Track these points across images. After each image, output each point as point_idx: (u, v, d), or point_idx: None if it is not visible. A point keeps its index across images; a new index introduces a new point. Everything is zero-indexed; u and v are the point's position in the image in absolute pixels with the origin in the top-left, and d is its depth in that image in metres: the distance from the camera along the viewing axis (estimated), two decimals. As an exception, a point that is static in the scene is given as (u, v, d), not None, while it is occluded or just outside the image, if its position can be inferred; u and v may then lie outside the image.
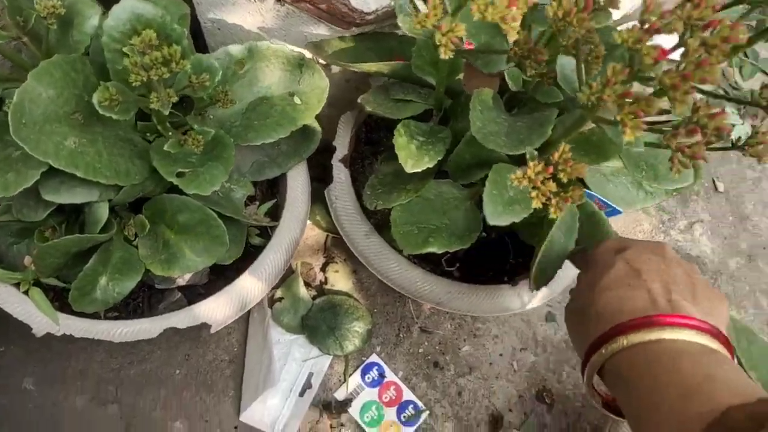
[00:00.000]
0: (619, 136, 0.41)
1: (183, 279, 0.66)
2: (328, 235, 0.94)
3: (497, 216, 0.51)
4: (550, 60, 0.45)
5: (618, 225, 1.04)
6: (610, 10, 0.42)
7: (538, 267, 0.53)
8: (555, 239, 0.52)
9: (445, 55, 0.40)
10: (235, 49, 0.62)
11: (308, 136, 0.68)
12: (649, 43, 0.32)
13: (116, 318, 0.63)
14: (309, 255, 0.93)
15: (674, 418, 0.37)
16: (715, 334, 0.41)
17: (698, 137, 0.32)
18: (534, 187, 0.39)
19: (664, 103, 0.35)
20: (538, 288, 0.58)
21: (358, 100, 0.63)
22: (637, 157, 0.57)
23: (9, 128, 0.51)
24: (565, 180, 0.40)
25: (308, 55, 0.66)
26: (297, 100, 0.64)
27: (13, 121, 0.46)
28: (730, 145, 0.47)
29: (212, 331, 0.61)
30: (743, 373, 0.39)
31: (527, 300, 0.70)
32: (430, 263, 0.72)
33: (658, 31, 0.31)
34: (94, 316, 0.59)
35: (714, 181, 1.11)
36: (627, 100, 0.32)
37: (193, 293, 0.68)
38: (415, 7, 0.48)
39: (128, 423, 0.78)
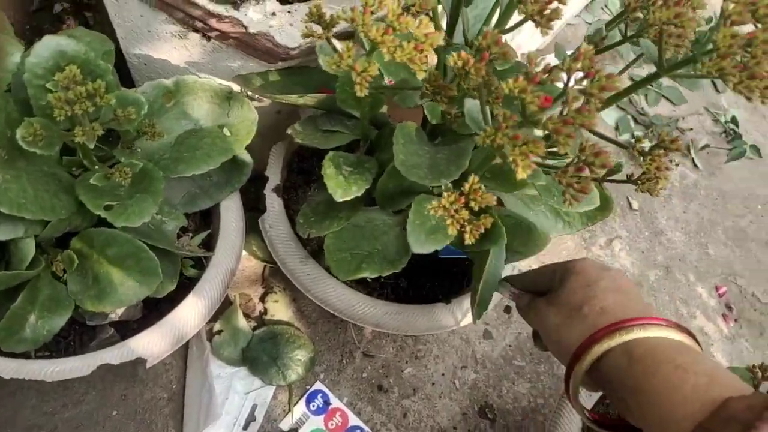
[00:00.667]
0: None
1: (116, 314, 0.65)
2: (265, 266, 0.94)
3: (420, 244, 0.54)
4: (460, 96, 0.49)
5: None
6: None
7: (480, 297, 0.56)
8: (491, 269, 0.55)
9: (360, 92, 0.43)
10: (162, 83, 0.63)
11: (239, 167, 0.70)
12: (533, 92, 0.35)
13: (47, 357, 0.61)
14: (247, 286, 0.93)
15: (665, 412, 0.40)
16: (680, 327, 0.46)
17: (586, 173, 0.36)
18: (450, 216, 0.42)
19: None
20: (479, 317, 0.62)
21: (287, 131, 0.65)
22: (549, 184, 0.62)
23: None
24: (476, 208, 0.43)
25: (236, 88, 0.68)
26: (227, 132, 0.65)
27: (-68, 160, 0.46)
28: (625, 178, 0.52)
29: (148, 365, 0.61)
30: (722, 366, 0.44)
31: (460, 317, 0.73)
32: (366, 286, 0.74)
33: (540, 83, 0.35)
34: (24, 355, 0.58)
35: (628, 200, 1.18)
36: (517, 142, 0.36)
37: (127, 329, 0.67)
38: (334, 48, 0.51)
39: (63, 469, 0.75)
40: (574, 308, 0.49)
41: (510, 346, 0.97)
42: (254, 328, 0.88)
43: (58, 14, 1.00)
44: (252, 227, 0.78)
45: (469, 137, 0.58)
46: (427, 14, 0.46)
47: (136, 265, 0.58)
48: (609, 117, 1.23)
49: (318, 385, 0.87)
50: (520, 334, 1.00)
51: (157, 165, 0.60)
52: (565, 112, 0.35)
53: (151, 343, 0.62)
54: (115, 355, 0.60)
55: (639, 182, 0.47)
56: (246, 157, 0.69)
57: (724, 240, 1.18)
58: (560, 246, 1.08)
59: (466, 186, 0.43)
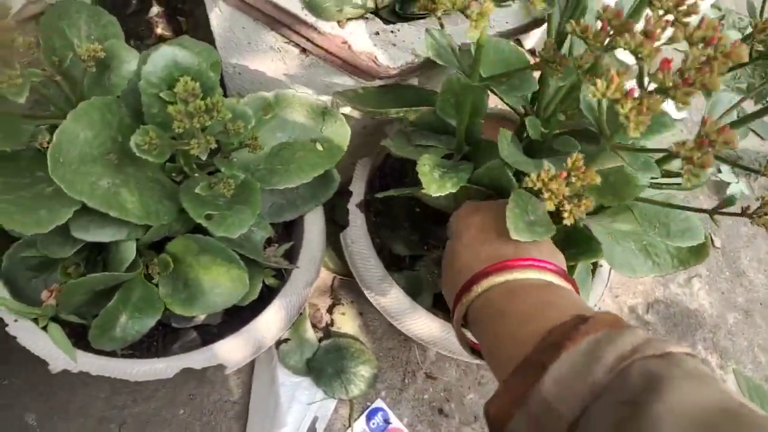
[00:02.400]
0: (635, 162, 0.43)
1: (199, 318, 0.66)
2: (335, 277, 0.95)
3: (519, 232, 0.52)
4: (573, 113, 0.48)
5: (618, 278, 1.06)
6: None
7: None
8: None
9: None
10: (263, 96, 0.64)
11: (327, 181, 0.70)
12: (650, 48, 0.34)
13: (131, 356, 0.63)
14: (316, 296, 0.93)
15: (512, 342, 0.40)
16: (559, 272, 0.47)
17: (707, 149, 0.34)
18: (548, 190, 0.41)
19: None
20: None
21: (381, 143, 0.65)
22: (650, 213, 0.59)
23: (40, 165, 0.52)
24: (578, 185, 0.41)
25: (330, 103, 0.69)
26: (319, 146, 0.66)
27: (52, 161, 0.47)
28: (739, 211, 0.49)
29: (227, 372, 0.61)
30: (580, 299, 0.44)
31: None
32: (441, 310, 0.73)
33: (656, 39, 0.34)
34: (111, 354, 0.59)
35: (711, 237, 1.14)
36: (632, 97, 0.34)
37: (207, 333, 0.68)
38: (452, 50, 0.51)
39: (130, 463, 0.77)
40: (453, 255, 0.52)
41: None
42: (320, 339, 0.88)
43: (152, 18, 1.03)
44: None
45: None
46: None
47: (227, 273, 0.59)
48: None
49: (379, 403, 0.87)
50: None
51: (252, 176, 0.60)
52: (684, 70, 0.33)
53: (233, 351, 0.62)
54: (198, 359, 0.60)
55: (755, 216, 0.44)
56: (334, 172, 0.69)
57: (809, 287, 1.12)
58: (637, 281, 1.04)
59: (569, 161, 0.41)
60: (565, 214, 0.43)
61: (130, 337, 0.58)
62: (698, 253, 0.65)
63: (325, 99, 0.69)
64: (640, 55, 0.35)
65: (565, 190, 0.42)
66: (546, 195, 0.42)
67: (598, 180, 0.42)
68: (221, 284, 0.59)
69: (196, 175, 0.58)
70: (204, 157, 0.50)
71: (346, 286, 0.94)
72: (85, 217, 0.51)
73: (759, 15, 0.53)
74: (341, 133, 0.67)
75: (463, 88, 0.58)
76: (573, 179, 0.42)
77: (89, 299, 0.57)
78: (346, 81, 0.69)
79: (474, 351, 0.53)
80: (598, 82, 0.36)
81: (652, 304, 1.06)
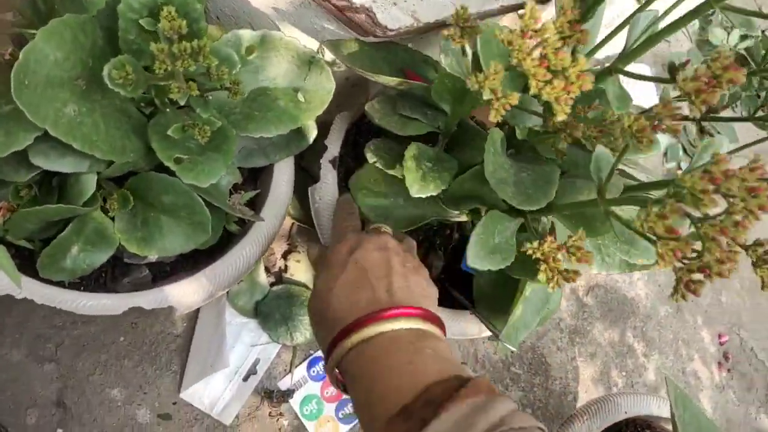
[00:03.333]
0: (622, 232, 0.44)
1: (152, 256, 0.64)
2: (293, 223, 0.93)
3: (479, 260, 0.53)
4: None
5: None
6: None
7: (512, 326, 0.56)
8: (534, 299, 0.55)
9: (495, 118, 0.41)
10: (249, 35, 0.60)
11: (302, 133, 0.67)
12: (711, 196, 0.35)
13: (78, 286, 0.60)
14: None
15: (387, 394, 0.41)
16: (427, 316, 0.46)
17: (702, 276, 0.36)
18: (545, 262, 0.41)
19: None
20: (515, 346, 0.62)
21: (366, 108, 0.63)
22: (619, 229, 0.61)
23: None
24: (573, 263, 0.42)
25: (317, 51, 0.65)
26: (301, 97, 0.63)
27: (15, 81, 0.43)
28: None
29: (177, 314, 0.60)
30: (448, 352, 0.44)
31: (484, 328, 0.73)
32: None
33: (718, 190, 0.34)
34: (58, 283, 0.57)
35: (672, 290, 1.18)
36: (674, 237, 0.35)
37: (159, 270, 0.66)
38: (464, 52, 0.49)
39: (64, 384, 0.76)
40: (323, 305, 0.49)
41: (512, 352, 0.98)
42: (272, 284, 0.88)
43: None
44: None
45: (552, 162, 0.56)
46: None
47: (188, 217, 0.57)
48: (662, 141, 1.21)
49: (321, 353, 0.88)
50: (523, 342, 1.01)
51: (227, 119, 0.57)
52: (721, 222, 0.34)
53: (186, 294, 0.61)
54: (148, 300, 0.59)
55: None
56: (311, 124, 0.67)
57: (738, 289, 1.19)
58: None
59: (570, 240, 0.42)
60: (551, 284, 0.43)
61: (80, 270, 0.56)
62: (647, 265, 0.67)
63: (314, 46, 0.65)
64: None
65: (560, 266, 0.42)
66: (543, 268, 0.43)
67: (592, 262, 0.43)
68: (181, 228, 0.57)
69: (168, 110, 0.55)
70: (182, 103, 0.47)
71: (305, 233, 0.93)
72: (45, 144, 0.48)
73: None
74: (325, 87, 0.64)
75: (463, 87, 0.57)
76: (570, 258, 0.42)
77: (40, 227, 0.54)
78: (338, 30, 0.66)
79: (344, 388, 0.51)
80: (652, 211, 0.37)
81: (593, 287, 1.10)
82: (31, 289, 0.55)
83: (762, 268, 0.42)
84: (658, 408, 0.78)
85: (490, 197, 0.58)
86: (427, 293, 0.51)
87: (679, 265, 0.37)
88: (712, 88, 0.35)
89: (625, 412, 0.76)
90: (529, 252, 0.43)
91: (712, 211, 0.38)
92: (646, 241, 0.57)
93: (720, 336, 1.13)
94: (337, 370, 0.47)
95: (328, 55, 0.66)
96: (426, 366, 0.42)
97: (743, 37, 1.32)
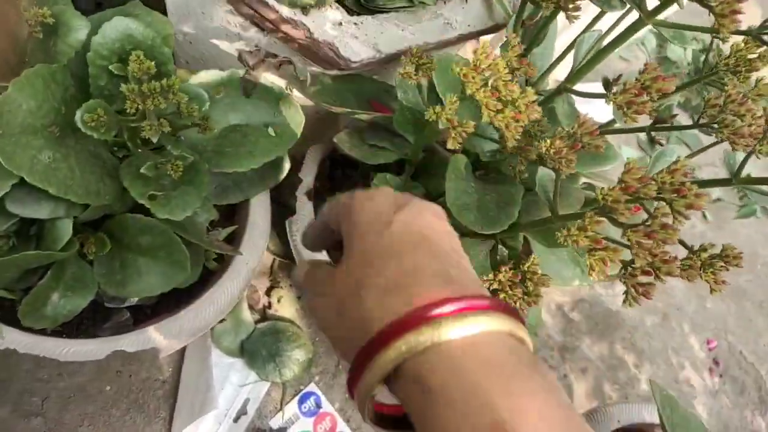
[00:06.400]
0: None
1: (132, 299, 0.64)
2: (275, 259, 0.94)
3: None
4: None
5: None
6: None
7: None
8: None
9: (452, 145, 0.43)
10: (217, 75, 0.62)
11: (276, 166, 0.69)
12: (623, 202, 0.36)
13: (60, 333, 0.60)
14: (255, 277, 0.92)
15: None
16: (511, 310, 0.29)
17: (651, 278, 0.38)
18: (504, 291, 0.43)
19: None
20: None
21: (334, 140, 0.65)
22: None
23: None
24: (531, 288, 0.44)
25: (285, 88, 0.67)
26: (271, 131, 0.64)
27: (-11, 131, 0.44)
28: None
29: (161, 356, 0.60)
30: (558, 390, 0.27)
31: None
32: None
33: (634, 193, 0.36)
34: (40, 331, 0.57)
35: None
36: (599, 247, 0.37)
37: (140, 313, 0.66)
38: (420, 89, 0.51)
39: (51, 439, 0.74)
40: (350, 288, 0.31)
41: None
42: (257, 321, 0.88)
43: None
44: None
45: (518, 185, 0.58)
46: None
47: (167, 257, 0.57)
48: (627, 154, 1.24)
49: (312, 387, 0.87)
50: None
51: (200, 156, 0.59)
52: (648, 226, 0.36)
53: (169, 334, 0.61)
54: (131, 342, 0.59)
55: (682, 266, 0.48)
56: (285, 158, 0.68)
57: (722, 295, 1.20)
58: (566, 282, 1.09)
59: (526, 264, 0.44)
60: (516, 304, 0.45)
61: (61, 317, 0.56)
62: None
63: (281, 83, 0.68)
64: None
65: (518, 293, 0.44)
66: (502, 296, 0.44)
67: (549, 286, 0.44)
68: (160, 267, 0.58)
69: (140, 151, 0.56)
70: (155, 140, 0.48)
71: (286, 268, 0.93)
72: (22, 191, 0.49)
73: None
74: (295, 120, 0.66)
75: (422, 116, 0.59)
76: (528, 284, 0.44)
77: (20, 275, 0.55)
78: (305, 66, 0.68)
79: (382, 420, 0.31)
80: (572, 228, 0.39)
81: (578, 302, 1.11)
82: (13, 339, 0.55)
83: (707, 273, 0.43)
84: (651, 415, 0.79)
85: (459, 223, 0.60)
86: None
87: (614, 273, 0.38)
88: (641, 100, 0.37)
89: (618, 421, 0.76)
90: (486, 284, 0.44)
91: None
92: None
93: (708, 342, 1.14)
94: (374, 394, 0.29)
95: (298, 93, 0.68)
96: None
97: (702, 51, 1.37)
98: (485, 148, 0.57)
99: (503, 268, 0.45)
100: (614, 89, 0.39)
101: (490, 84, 0.40)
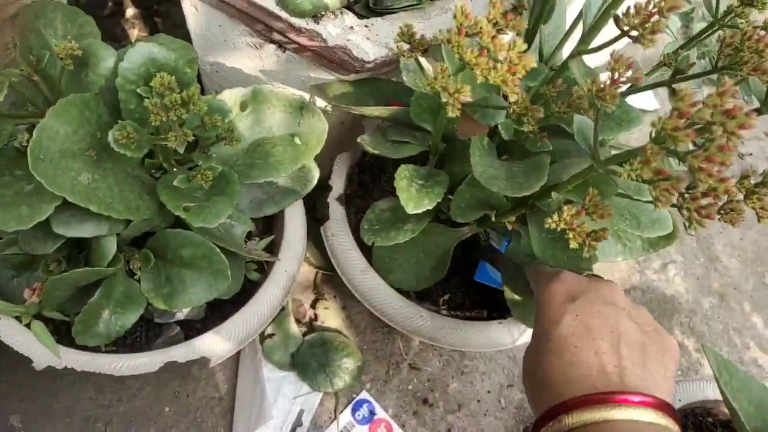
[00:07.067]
0: (627, 186, 0.45)
1: (182, 313, 0.67)
2: (317, 272, 0.96)
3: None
4: (544, 117, 0.50)
5: (596, 265, 1.08)
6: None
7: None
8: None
9: (452, 113, 0.43)
10: (240, 92, 0.64)
11: (306, 175, 0.71)
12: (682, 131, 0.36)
13: (115, 352, 0.63)
14: (299, 292, 0.94)
15: None
16: (663, 407, 0.39)
17: (710, 200, 0.37)
18: (572, 230, 0.43)
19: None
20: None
21: (358, 140, 0.66)
22: (621, 206, 0.61)
23: (20, 164, 0.53)
24: (596, 221, 0.43)
25: (307, 97, 0.70)
26: (297, 140, 0.67)
27: (32, 157, 0.48)
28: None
29: (212, 365, 0.62)
30: None
31: (517, 336, 0.72)
32: (424, 300, 0.74)
33: (689, 119, 0.36)
34: (95, 349, 0.60)
35: (684, 224, 1.16)
36: (662, 177, 0.36)
37: (190, 328, 0.69)
38: (420, 66, 0.52)
39: (117, 461, 0.77)
40: (539, 352, 0.43)
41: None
42: (304, 334, 0.89)
43: (128, 20, 1.03)
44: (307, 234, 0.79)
45: (544, 154, 0.58)
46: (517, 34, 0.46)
47: (208, 267, 0.59)
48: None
49: (364, 395, 0.88)
50: (567, 355, 0.99)
51: (231, 169, 0.61)
52: (707, 151, 0.36)
53: (216, 344, 0.63)
54: (182, 353, 0.61)
55: (722, 212, 0.46)
56: (313, 165, 0.70)
57: (780, 270, 1.15)
58: (613, 267, 1.07)
59: (586, 199, 0.43)
60: (586, 249, 0.44)
61: (113, 333, 0.59)
62: (667, 237, 0.67)
63: (303, 94, 0.70)
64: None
65: (587, 228, 0.43)
66: (571, 235, 0.43)
67: (611, 213, 0.44)
68: (203, 278, 0.60)
69: (175, 170, 0.59)
70: (182, 150, 0.51)
71: (329, 281, 0.95)
72: (65, 213, 0.52)
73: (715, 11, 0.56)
74: (319, 128, 0.67)
75: (438, 102, 0.60)
76: (592, 218, 0.43)
77: (72, 295, 0.58)
78: (323, 75, 0.70)
79: None
80: (634, 163, 0.39)
81: (629, 290, 1.08)
82: (69, 359, 0.58)
83: (752, 200, 0.42)
84: (714, 392, 0.75)
85: (492, 198, 0.60)
86: (667, 372, 0.42)
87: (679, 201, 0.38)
88: (655, 19, 0.37)
89: (680, 400, 0.74)
90: (553, 225, 0.44)
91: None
92: (646, 203, 0.58)
93: (772, 319, 1.09)
94: None
95: (321, 102, 0.70)
96: None
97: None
98: (499, 121, 0.57)
99: (565, 207, 0.44)
100: (624, 18, 0.39)
101: (477, 43, 0.40)
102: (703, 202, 0.39)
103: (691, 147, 0.39)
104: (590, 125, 0.46)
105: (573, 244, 0.45)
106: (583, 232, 0.44)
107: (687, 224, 0.40)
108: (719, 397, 0.75)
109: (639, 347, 0.42)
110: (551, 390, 0.41)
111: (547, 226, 0.46)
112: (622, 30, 0.43)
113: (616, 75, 0.40)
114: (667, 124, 0.37)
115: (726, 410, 0.76)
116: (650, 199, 0.39)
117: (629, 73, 0.40)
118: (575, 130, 0.48)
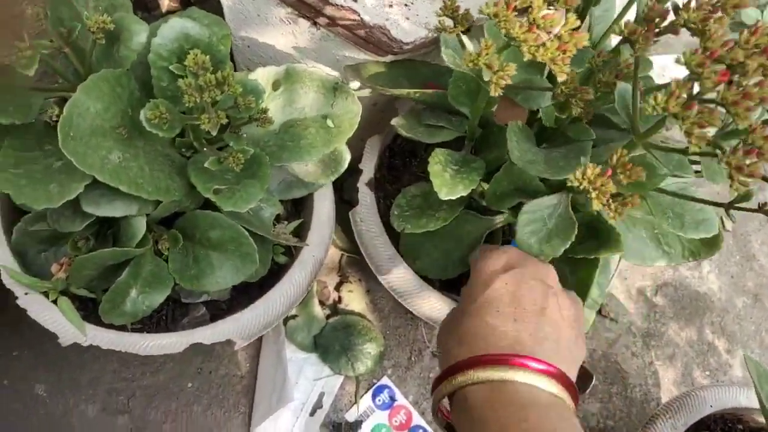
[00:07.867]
0: (668, 161, 0.43)
1: (207, 294, 0.66)
2: (342, 255, 0.94)
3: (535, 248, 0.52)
4: (594, 100, 0.47)
5: (630, 261, 1.05)
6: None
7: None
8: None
9: (494, 92, 0.41)
10: (274, 70, 0.63)
11: (337, 158, 0.69)
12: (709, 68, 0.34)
13: (140, 330, 0.63)
14: (324, 274, 0.93)
15: None
16: (566, 384, 0.41)
17: (754, 158, 0.34)
18: (594, 189, 0.40)
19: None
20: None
21: (392, 123, 0.64)
22: (664, 203, 0.59)
23: (50, 138, 0.52)
24: (625, 183, 0.40)
25: (340, 78, 0.68)
26: (330, 123, 0.65)
27: (62, 134, 0.47)
28: (756, 207, 0.49)
29: (236, 348, 0.62)
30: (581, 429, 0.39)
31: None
32: (450, 289, 0.73)
33: (718, 59, 0.33)
34: (121, 328, 0.60)
35: (722, 220, 1.13)
36: (691, 111, 0.34)
37: (216, 308, 0.68)
38: (461, 43, 0.49)
39: (138, 435, 0.77)
40: (455, 316, 0.46)
41: (583, 362, 0.94)
42: (328, 316, 0.89)
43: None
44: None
45: (587, 141, 0.56)
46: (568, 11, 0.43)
47: (236, 250, 0.58)
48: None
49: (385, 380, 0.87)
50: (594, 351, 0.97)
51: (262, 152, 0.60)
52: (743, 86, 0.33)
53: (242, 327, 0.62)
54: (208, 335, 0.61)
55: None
56: (345, 149, 0.68)
57: (818, 272, 1.11)
58: (646, 263, 1.04)
59: (614, 158, 0.40)
60: (611, 214, 0.41)
61: (140, 312, 0.58)
62: (710, 244, 0.65)
63: (336, 74, 0.68)
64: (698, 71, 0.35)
65: (612, 188, 0.41)
66: (594, 194, 0.41)
67: (643, 177, 0.41)
68: (231, 260, 0.59)
69: (206, 150, 0.58)
70: (214, 133, 0.49)
71: (355, 264, 0.94)
72: (95, 192, 0.51)
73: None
74: (352, 110, 0.65)
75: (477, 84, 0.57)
76: (621, 177, 0.41)
77: (99, 274, 0.57)
78: (358, 55, 0.68)
79: (448, 425, 0.46)
80: (658, 96, 0.35)
81: (661, 286, 1.06)
82: (95, 336, 0.58)
83: None
84: (747, 399, 0.73)
85: (530, 185, 0.58)
86: (574, 355, 0.44)
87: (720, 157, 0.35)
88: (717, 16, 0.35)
89: (711, 406, 0.72)
90: (576, 183, 0.41)
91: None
92: (692, 200, 0.54)
93: (808, 321, 1.06)
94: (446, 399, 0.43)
95: (354, 84, 0.68)
96: None
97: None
98: (539, 103, 0.54)
99: (591, 165, 0.41)
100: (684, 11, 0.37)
101: (526, 19, 0.38)
102: (747, 162, 0.36)
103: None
104: (630, 93, 0.43)
105: (596, 205, 0.42)
106: (607, 192, 0.41)
107: (730, 184, 0.38)
108: (751, 404, 0.74)
109: (555, 325, 0.43)
110: (463, 346, 0.42)
111: (569, 184, 0.44)
112: (679, 23, 0.40)
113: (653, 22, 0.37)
114: (692, 59, 0.34)
115: (759, 418, 0.74)
116: (691, 175, 0.37)
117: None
118: (617, 98, 0.45)
